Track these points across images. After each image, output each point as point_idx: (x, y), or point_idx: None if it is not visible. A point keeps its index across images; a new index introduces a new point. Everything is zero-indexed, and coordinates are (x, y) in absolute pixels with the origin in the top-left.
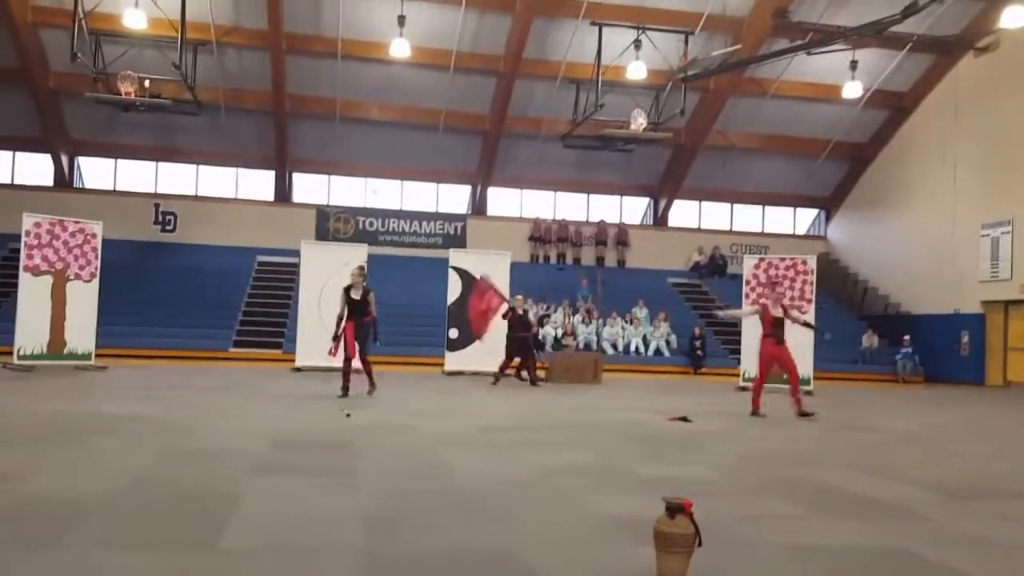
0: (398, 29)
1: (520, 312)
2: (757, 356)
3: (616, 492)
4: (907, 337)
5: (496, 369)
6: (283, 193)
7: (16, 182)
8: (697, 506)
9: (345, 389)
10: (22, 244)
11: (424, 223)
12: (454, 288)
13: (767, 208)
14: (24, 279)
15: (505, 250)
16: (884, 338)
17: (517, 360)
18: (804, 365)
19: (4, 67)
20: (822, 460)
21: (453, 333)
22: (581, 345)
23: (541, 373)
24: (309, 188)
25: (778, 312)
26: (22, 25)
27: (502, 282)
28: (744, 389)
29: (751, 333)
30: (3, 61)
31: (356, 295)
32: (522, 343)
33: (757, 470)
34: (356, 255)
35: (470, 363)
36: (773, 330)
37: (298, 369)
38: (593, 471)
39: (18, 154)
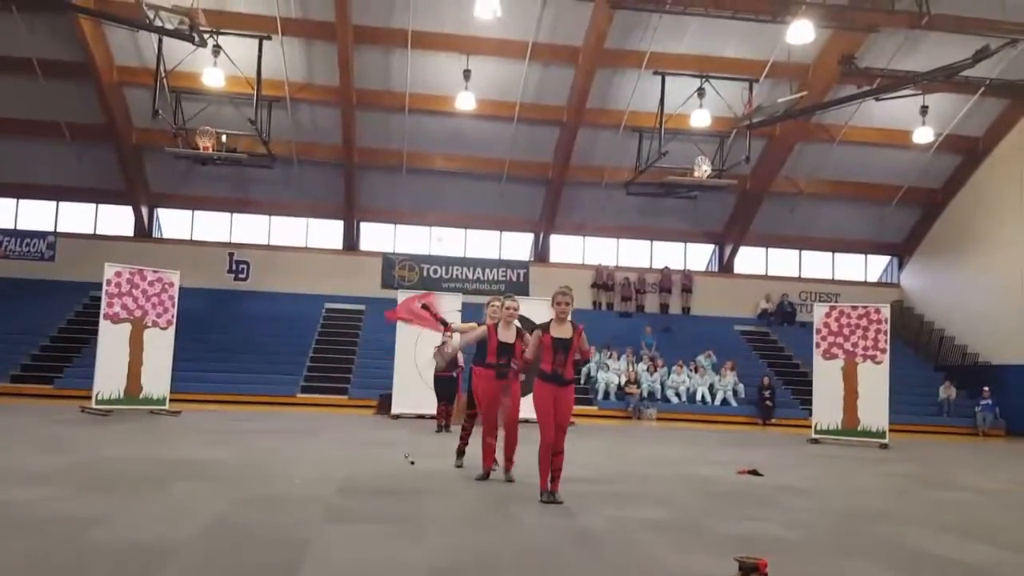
0: (464, 83)
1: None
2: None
3: (687, 548)
4: (987, 388)
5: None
6: (351, 242)
7: (98, 232)
8: (773, 566)
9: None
10: (103, 293)
11: (487, 270)
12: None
13: (837, 255)
14: (104, 326)
15: None
16: (963, 389)
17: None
18: (879, 416)
19: (91, 124)
20: (904, 519)
21: None
22: (645, 394)
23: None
24: (376, 237)
25: (508, 337)
26: (108, 85)
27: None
28: (816, 441)
29: (824, 382)
30: (91, 119)
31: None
32: (448, 382)
33: (836, 528)
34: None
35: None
36: (496, 359)
37: (396, 416)
38: (663, 526)
39: (101, 206)
